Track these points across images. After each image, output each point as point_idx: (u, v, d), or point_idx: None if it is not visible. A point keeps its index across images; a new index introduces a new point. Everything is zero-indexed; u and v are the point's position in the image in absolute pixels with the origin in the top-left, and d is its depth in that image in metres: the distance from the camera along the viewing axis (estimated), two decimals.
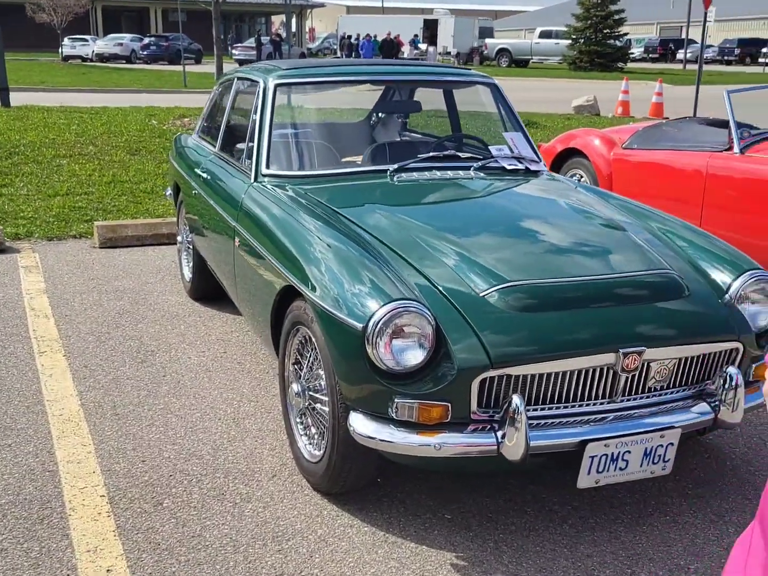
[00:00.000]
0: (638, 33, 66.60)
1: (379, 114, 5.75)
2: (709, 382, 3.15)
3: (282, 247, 3.49)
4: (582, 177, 7.51)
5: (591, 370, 2.92)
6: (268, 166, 4.18)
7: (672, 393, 3.09)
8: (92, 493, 3.29)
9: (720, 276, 3.34)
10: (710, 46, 55.72)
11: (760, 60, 53.81)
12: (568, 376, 2.90)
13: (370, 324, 2.81)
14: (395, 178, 4.07)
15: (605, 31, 42.93)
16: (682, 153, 6.48)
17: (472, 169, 4.25)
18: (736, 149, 6.08)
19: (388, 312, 2.81)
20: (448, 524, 3.15)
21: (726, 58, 58.21)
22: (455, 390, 2.80)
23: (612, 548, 3.02)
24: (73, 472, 3.44)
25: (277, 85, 4.38)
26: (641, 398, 3.04)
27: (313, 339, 3.20)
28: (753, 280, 3.27)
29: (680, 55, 57.91)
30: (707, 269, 3.38)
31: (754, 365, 3.21)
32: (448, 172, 4.18)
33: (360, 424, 2.91)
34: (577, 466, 2.91)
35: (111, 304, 5.60)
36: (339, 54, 42.29)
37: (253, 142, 4.33)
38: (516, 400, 2.77)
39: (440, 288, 3.04)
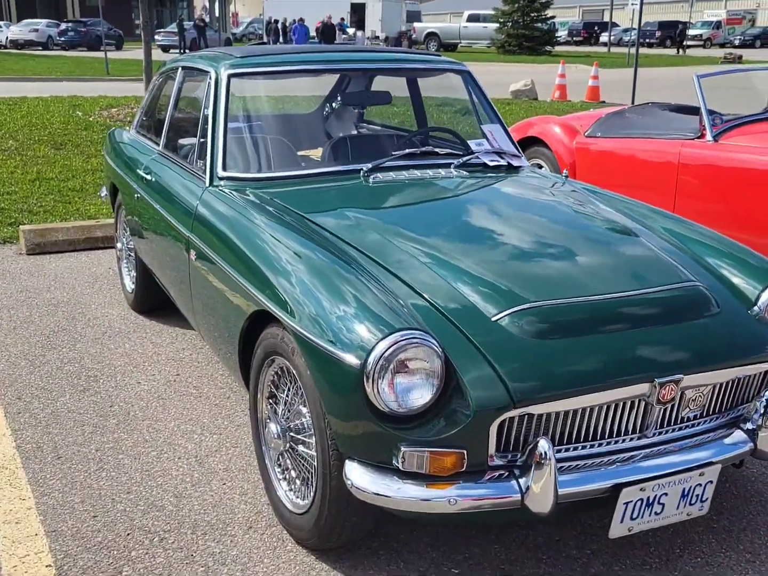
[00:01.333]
0: (562, 16, 67.01)
1: (332, 105, 5.28)
2: (743, 408, 2.80)
3: (251, 265, 3.02)
4: (542, 167, 7.16)
5: (621, 404, 2.53)
6: (224, 168, 3.69)
7: (705, 423, 2.73)
8: (36, 563, 2.79)
9: (745, 285, 2.99)
10: (632, 29, 56.35)
11: (686, 43, 54.60)
12: (596, 412, 2.52)
13: (370, 360, 2.38)
14: (370, 179, 3.63)
15: (532, 15, 42.96)
16: (652, 141, 6.17)
17: (452, 166, 3.83)
18: (708, 137, 5.79)
19: (391, 345, 2.37)
20: None
21: (647, 40, 58.90)
22: (471, 434, 2.39)
23: None
24: (12, 536, 2.93)
25: (230, 76, 3.88)
26: (673, 431, 2.67)
27: (294, 372, 2.75)
28: None
29: (604, 38, 58.51)
30: (731, 278, 3.04)
31: None
32: (428, 170, 3.76)
33: (358, 476, 2.47)
34: (604, 510, 2.54)
35: (44, 321, 5.03)
36: (266, 40, 41.31)
37: (205, 140, 3.84)
38: (543, 444, 2.37)
39: (443, 311, 2.61)
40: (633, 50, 36.37)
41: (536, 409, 2.42)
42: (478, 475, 2.44)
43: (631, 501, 2.51)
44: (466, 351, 2.48)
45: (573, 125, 7.05)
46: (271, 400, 3.05)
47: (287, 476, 2.99)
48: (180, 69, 4.55)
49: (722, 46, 55.88)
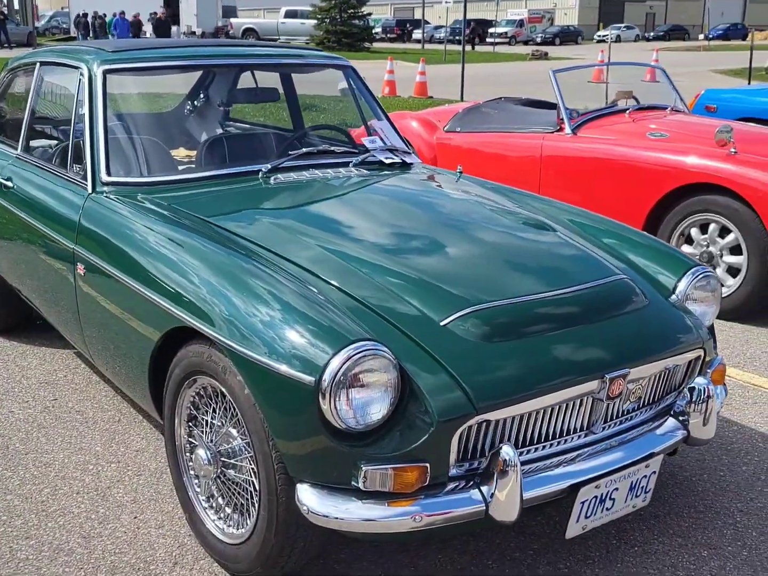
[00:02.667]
0: (376, 14, 67.95)
1: (194, 102, 5.00)
2: (670, 397, 2.85)
3: (162, 276, 2.77)
4: None
5: (571, 402, 2.50)
6: (109, 173, 3.38)
7: (641, 414, 2.76)
8: None
9: (661, 275, 3.05)
10: (441, 26, 57.88)
11: (488, 40, 56.72)
12: (548, 413, 2.47)
13: (326, 376, 2.21)
14: (272, 180, 3.44)
15: (349, 11, 43.23)
16: (514, 135, 6.29)
17: (351, 165, 3.70)
18: (567, 130, 5.98)
19: (348, 359, 2.22)
20: None
21: (457, 38, 60.78)
22: (433, 446, 2.28)
23: None
24: None
25: (106, 72, 3.56)
26: (615, 425, 2.67)
27: (226, 392, 2.54)
28: (699, 277, 3.01)
29: (416, 35, 59.83)
30: (646, 269, 3.08)
31: (709, 371, 2.94)
32: (328, 170, 3.60)
33: (313, 500, 2.30)
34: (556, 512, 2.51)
35: None
36: (76, 34, 39.30)
37: (80, 142, 3.51)
38: (507, 450, 2.30)
39: (387, 318, 2.49)
40: (450, 47, 37.56)
41: (494, 415, 2.35)
42: (438, 487, 2.33)
43: (587, 499, 2.49)
44: (420, 359, 2.37)
45: (431, 120, 7.08)
46: (190, 424, 2.82)
47: (214, 504, 2.77)
48: (38, 65, 4.15)
49: (526, 43, 58.52)
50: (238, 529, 2.66)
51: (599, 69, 22.18)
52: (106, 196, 3.32)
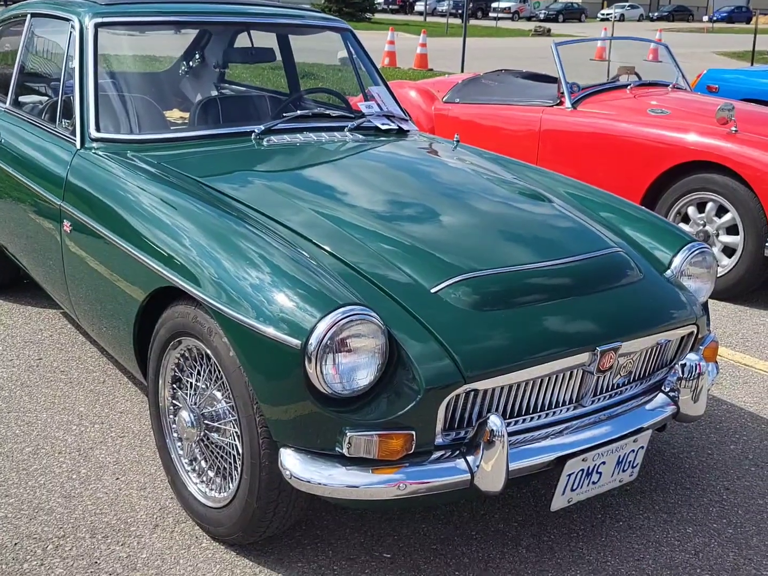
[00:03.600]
0: None
1: (189, 62, 4.92)
2: (660, 373, 2.81)
3: (150, 237, 2.71)
4: None
5: (561, 374, 2.46)
6: (98, 129, 3.31)
7: (631, 389, 2.72)
8: None
9: (656, 250, 3.00)
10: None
11: (491, 15, 56.32)
12: (537, 384, 2.43)
13: (312, 340, 2.17)
14: (264, 142, 3.37)
15: None
16: (513, 107, 6.22)
17: (346, 129, 3.64)
18: (567, 104, 5.91)
19: (335, 323, 2.18)
20: (391, 566, 2.60)
21: (459, 11, 60.26)
22: (420, 413, 2.24)
23: (581, 572, 2.62)
24: None
25: (97, 25, 3.48)
26: (604, 399, 2.64)
27: (211, 354, 2.49)
28: (695, 253, 2.96)
29: (418, 7, 59.36)
30: (641, 243, 3.04)
31: (701, 347, 2.90)
32: (322, 134, 3.54)
33: (296, 465, 2.27)
34: (541, 485, 2.48)
35: None
36: None
37: (70, 97, 3.44)
38: (495, 420, 2.26)
39: (377, 283, 2.44)
40: (452, 20, 37.25)
41: (481, 385, 2.31)
42: (423, 456, 2.30)
43: (573, 472, 2.46)
44: (409, 325, 2.33)
45: (430, 90, 6.99)
46: (174, 386, 2.77)
47: (196, 468, 2.74)
48: (28, 16, 4.06)
49: (528, 19, 58.14)
50: (220, 493, 2.63)
51: (602, 47, 21.97)
52: (94, 153, 3.25)
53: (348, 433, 2.21)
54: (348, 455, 2.22)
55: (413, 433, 2.24)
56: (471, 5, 60.30)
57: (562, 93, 5.96)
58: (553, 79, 7.12)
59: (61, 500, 2.84)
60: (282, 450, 2.30)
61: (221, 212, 2.68)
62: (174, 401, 2.79)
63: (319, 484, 2.25)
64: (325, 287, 2.29)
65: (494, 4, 60.62)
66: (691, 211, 5.20)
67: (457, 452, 2.32)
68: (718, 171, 5.01)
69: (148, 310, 2.79)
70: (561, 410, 2.52)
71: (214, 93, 4.32)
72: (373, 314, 2.23)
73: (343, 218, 2.74)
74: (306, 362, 2.18)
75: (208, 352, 2.52)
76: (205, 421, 2.60)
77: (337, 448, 2.24)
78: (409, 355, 2.25)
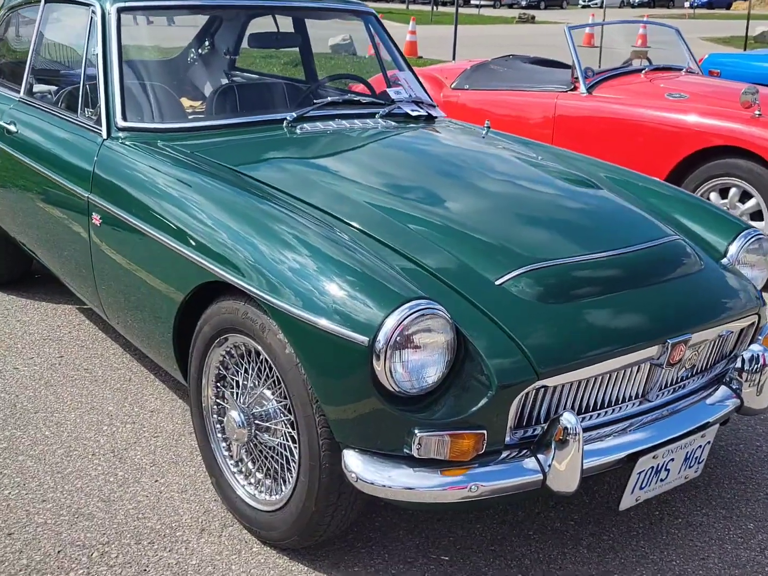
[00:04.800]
0: None
1: (199, 50, 4.78)
2: (721, 365, 2.73)
3: (194, 229, 2.60)
4: None
5: (629, 369, 2.37)
6: (125, 118, 3.18)
7: (694, 382, 2.63)
8: None
9: (712, 238, 2.92)
10: None
11: (473, 2, 56.14)
12: (606, 379, 2.34)
13: (380, 336, 2.06)
14: (297, 130, 3.26)
15: None
16: (526, 93, 6.12)
17: (377, 116, 3.52)
18: (582, 89, 5.82)
19: (404, 318, 2.07)
20: (451, 569, 2.51)
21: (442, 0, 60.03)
22: (492, 412, 2.14)
23: (647, 572, 2.53)
24: None
25: (120, 9, 3.34)
26: (668, 393, 2.55)
27: (264, 352, 2.38)
28: (751, 240, 2.88)
29: None
30: (695, 230, 2.95)
31: (760, 338, 2.82)
32: (355, 120, 3.42)
33: (362, 468, 2.16)
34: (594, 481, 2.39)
35: None
36: None
37: (93, 85, 3.30)
38: (569, 418, 2.17)
39: (438, 275, 2.34)
40: (424, 8, 36.95)
41: (552, 381, 2.21)
42: (492, 455, 2.20)
43: (644, 470, 2.38)
44: (476, 320, 2.23)
45: (437, 77, 6.88)
46: (218, 384, 2.67)
47: (243, 469, 2.63)
48: (42, 2, 3.90)
49: (510, 6, 57.90)
50: (271, 496, 2.52)
51: (589, 33, 21.86)
52: (121, 143, 3.13)
53: (417, 434, 2.11)
54: (417, 456, 2.13)
55: (485, 432, 2.14)
56: None
57: (576, 78, 5.87)
58: (561, 65, 7.05)
59: (101, 504, 2.72)
60: (345, 451, 2.20)
61: (268, 204, 2.57)
62: (218, 400, 2.68)
63: (386, 486, 2.15)
64: (389, 281, 2.19)
65: None
66: (714, 196, 5.13)
67: (526, 451, 2.23)
68: (742, 156, 4.94)
69: (188, 306, 2.68)
70: (627, 405, 2.43)
71: (237, 80, 4.20)
72: (441, 308, 2.13)
73: (394, 208, 2.63)
74: (374, 360, 2.08)
75: (259, 349, 2.41)
76: (255, 421, 2.50)
77: (405, 449, 2.14)
78: (479, 350, 2.15)
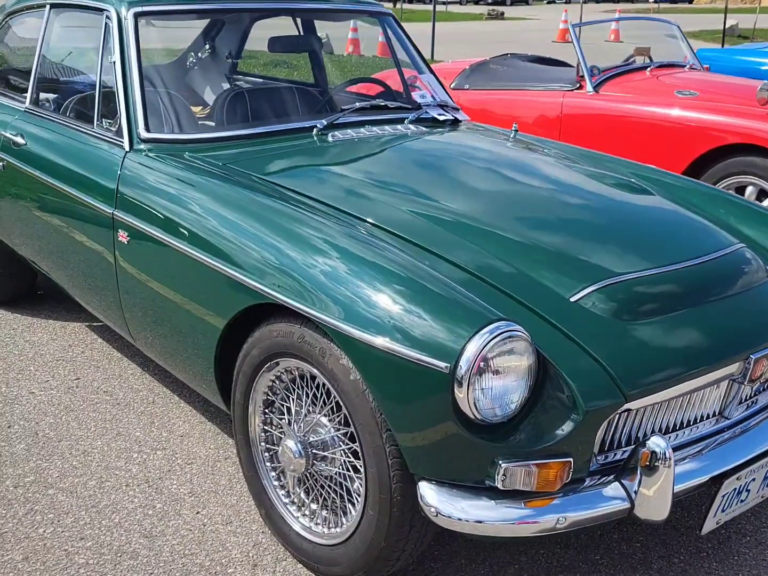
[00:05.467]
0: None
1: (198, 54, 4.62)
2: None
3: (240, 246, 2.44)
4: None
5: (710, 386, 2.26)
6: (148, 129, 3.02)
7: (764, 397, 2.53)
8: None
9: (764, 241, 2.82)
10: None
11: None
12: (687, 398, 2.23)
13: (463, 362, 1.93)
14: (329, 138, 3.11)
15: None
16: (530, 92, 6.01)
17: (407, 121, 3.39)
18: (588, 88, 5.73)
19: (487, 342, 1.94)
20: None
21: None
22: (578, 438, 2.02)
23: None
24: None
25: (137, 15, 3.18)
26: (743, 409, 2.44)
27: (323, 378, 2.24)
28: None
29: None
30: (746, 232, 2.84)
31: None
32: (385, 126, 3.29)
33: (442, 502, 2.03)
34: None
35: None
36: None
37: (111, 94, 3.14)
38: (658, 442, 2.05)
39: (508, 292, 2.21)
40: (405, 6, 36.89)
41: (636, 404, 2.09)
42: (576, 483, 2.08)
43: (728, 492, 2.26)
44: (555, 339, 2.10)
45: None
46: (266, 411, 2.52)
47: (296, 500, 2.49)
48: (47, 7, 3.72)
49: (476, 3, 57.90)
50: (330, 528, 2.39)
51: (564, 29, 21.84)
52: (146, 155, 2.97)
53: (502, 464, 1.98)
54: (502, 488, 2.00)
55: (571, 460, 2.01)
56: None
57: (582, 76, 5.77)
58: (560, 63, 6.96)
59: (144, 541, 2.57)
60: (421, 484, 2.07)
61: (319, 220, 2.42)
62: (266, 428, 2.54)
63: (469, 521, 2.02)
64: (467, 302, 2.05)
65: None
66: None
67: (609, 478, 2.11)
68: (758, 153, 4.86)
69: (228, 328, 2.53)
70: (704, 424, 2.32)
71: (249, 86, 4.04)
72: (522, 330, 2.00)
73: (450, 220, 2.51)
74: (455, 387, 1.94)
75: (316, 374, 2.27)
76: (313, 451, 2.35)
77: (487, 481, 2.01)
78: (562, 373, 2.03)
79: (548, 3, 60.03)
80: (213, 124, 3.41)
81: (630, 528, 2.70)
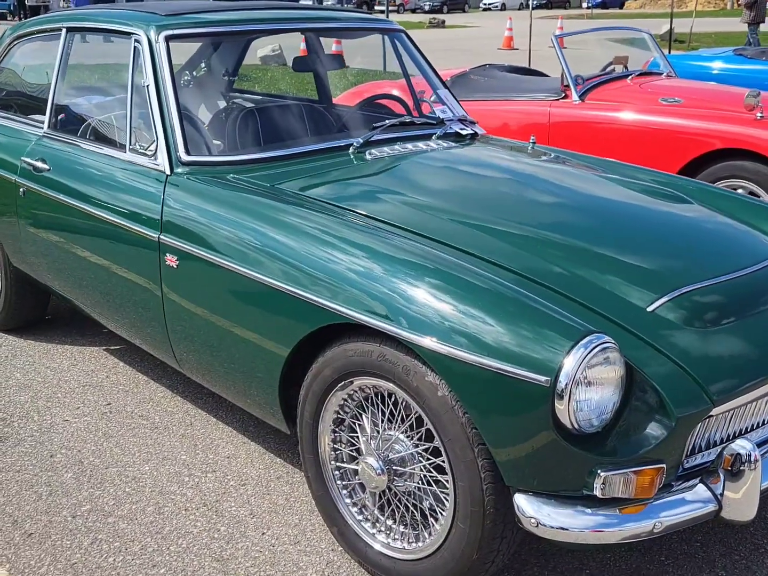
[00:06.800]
0: None
1: (193, 72, 4.61)
2: None
3: (308, 266, 2.44)
4: None
5: None
6: (188, 152, 3.02)
7: None
8: None
9: None
10: None
11: (376, 8, 56.41)
12: (758, 402, 2.31)
13: (562, 375, 1.98)
14: (367, 155, 3.15)
15: None
16: (516, 102, 6.11)
17: (434, 137, 3.44)
18: (574, 97, 5.84)
19: (586, 354, 1.99)
20: None
21: (346, 5, 60.08)
22: (671, 444, 2.09)
23: None
24: None
25: (168, 38, 3.17)
26: None
27: (406, 396, 2.27)
28: None
29: (306, 2, 58.89)
30: None
31: None
32: (418, 143, 3.34)
33: (541, 512, 2.08)
34: None
35: None
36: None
37: (144, 118, 3.13)
38: (745, 444, 2.12)
39: (590, 305, 2.27)
40: None
41: (719, 409, 2.17)
42: (665, 488, 2.15)
43: None
44: (640, 349, 2.17)
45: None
46: (336, 429, 2.54)
47: (370, 517, 2.51)
48: (63, 31, 3.68)
49: (413, 11, 58.34)
50: (410, 543, 2.41)
51: (509, 36, 22.02)
52: (188, 178, 2.97)
53: (601, 473, 2.03)
54: (601, 496, 2.05)
55: (664, 466, 2.08)
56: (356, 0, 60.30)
57: (567, 86, 5.89)
58: (537, 72, 7.10)
59: (217, 565, 2.56)
60: (517, 496, 2.11)
61: (382, 238, 2.45)
62: (335, 446, 2.56)
63: (568, 530, 2.07)
64: (559, 314, 2.11)
65: None
66: None
67: (695, 481, 2.18)
68: (745, 158, 5.03)
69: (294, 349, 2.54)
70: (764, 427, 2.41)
71: (269, 105, 4.04)
72: (613, 341, 2.06)
73: (510, 232, 2.57)
74: (556, 400, 1.99)
75: (395, 391, 2.30)
76: (394, 467, 2.38)
77: (585, 490, 2.06)
78: (652, 381, 2.09)
79: (484, 10, 60.77)
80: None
81: (684, 529, 2.77)
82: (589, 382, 2.02)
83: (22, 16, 26.46)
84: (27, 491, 2.92)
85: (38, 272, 3.75)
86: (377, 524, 2.50)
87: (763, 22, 16.96)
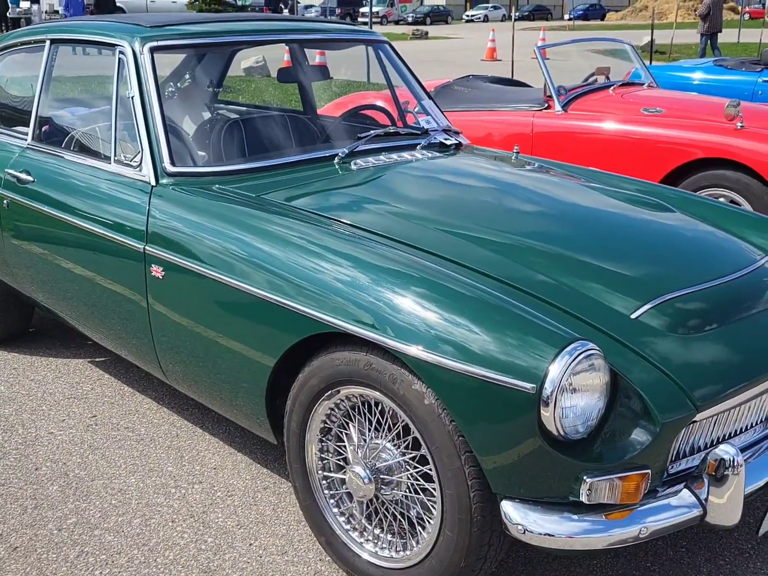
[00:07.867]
0: None
1: (178, 84, 4.62)
2: None
3: (295, 276, 2.45)
4: None
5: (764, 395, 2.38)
6: (173, 163, 3.02)
7: None
8: None
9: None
10: (312, 6, 57.12)
11: (359, 20, 56.66)
12: (743, 407, 2.34)
13: (548, 382, 1.99)
14: (352, 165, 3.16)
15: None
16: (500, 113, 6.15)
17: (419, 147, 3.46)
18: (557, 107, 5.89)
19: (571, 361, 2.01)
20: None
21: (329, 17, 60.20)
22: (655, 450, 2.11)
23: None
24: None
25: (153, 49, 3.18)
26: None
27: (393, 404, 2.28)
28: None
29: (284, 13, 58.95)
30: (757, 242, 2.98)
31: None
32: (402, 153, 3.36)
33: (527, 519, 2.09)
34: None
35: None
36: None
37: (128, 129, 3.13)
38: (728, 449, 2.14)
39: (573, 312, 2.29)
40: None
41: (702, 414, 2.19)
42: (651, 494, 2.16)
43: None
44: (624, 356, 2.19)
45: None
46: (323, 438, 2.54)
47: (356, 526, 2.52)
48: (47, 42, 3.67)
49: (396, 23, 58.63)
50: (397, 552, 2.42)
51: (492, 48, 22.13)
52: (173, 188, 2.97)
53: (587, 479, 2.04)
54: (587, 502, 2.06)
55: (649, 471, 2.10)
56: (339, 11, 60.46)
57: (549, 96, 5.93)
58: (519, 83, 7.15)
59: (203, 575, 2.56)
60: (504, 503, 2.13)
61: (367, 245, 2.47)
62: (322, 455, 2.56)
63: (554, 536, 2.08)
64: (543, 322, 2.12)
65: (363, 9, 60.86)
66: None
67: (680, 486, 2.20)
68: (727, 167, 5.08)
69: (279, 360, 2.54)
70: (754, 431, 2.43)
71: (255, 115, 4.04)
72: (597, 348, 2.07)
73: (495, 241, 2.59)
74: (541, 407, 2.01)
75: (382, 400, 2.31)
76: (381, 476, 2.39)
77: (571, 496, 2.08)
78: (636, 387, 2.11)
79: (466, 22, 61.16)
80: (229, 156, 3.40)
81: (672, 533, 2.79)
82: (574, 389, 2.03)
83: (3, 28, 26.32)
84: (12, 504, 2.90)
85: (22, 284, 3.74)
86: (365, 533, 2.50)
87: (720, 32, 17.21)
